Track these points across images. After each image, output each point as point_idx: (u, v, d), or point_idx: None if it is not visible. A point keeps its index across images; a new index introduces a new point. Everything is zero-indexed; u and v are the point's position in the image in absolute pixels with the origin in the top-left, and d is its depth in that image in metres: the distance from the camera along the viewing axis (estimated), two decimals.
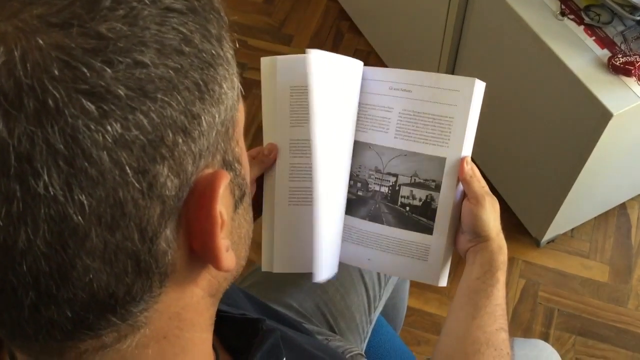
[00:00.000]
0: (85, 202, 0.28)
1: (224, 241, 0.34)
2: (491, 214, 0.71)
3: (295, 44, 1.94)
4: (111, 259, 0.30)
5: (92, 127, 0.28)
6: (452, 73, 1.50)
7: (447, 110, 0.74)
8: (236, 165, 0.37)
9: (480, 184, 0.73)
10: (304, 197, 0.75)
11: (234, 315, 0.50)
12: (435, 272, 0.76)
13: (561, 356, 0.95)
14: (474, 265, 0.71)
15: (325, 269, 0.73)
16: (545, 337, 1.45)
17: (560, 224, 1.48)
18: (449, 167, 0.74)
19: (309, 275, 0.89)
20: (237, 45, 0.38)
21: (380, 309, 0.95)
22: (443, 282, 0.77)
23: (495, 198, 0.73)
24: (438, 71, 1.51)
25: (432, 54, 1.49)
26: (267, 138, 0.76)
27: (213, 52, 0.33)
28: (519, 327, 1.47)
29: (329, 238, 0.73)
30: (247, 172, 0.40)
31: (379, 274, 0.93)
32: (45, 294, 0.29)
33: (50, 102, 0.27)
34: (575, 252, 1.56)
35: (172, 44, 0.30)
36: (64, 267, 0.29)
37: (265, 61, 0.76)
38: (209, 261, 0.35)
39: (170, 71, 0.30)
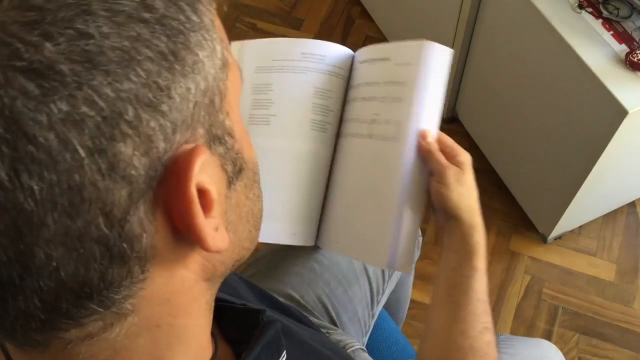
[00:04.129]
0: (35, 187, 0.26)
1: (212, 220, 0.32)
2: (456, 190, 0.65)
3: (305, 28, 1.92)
4: (75, 245, 0.28)
5: (33, 107, 0.25)
6: (465, 63, 1.47)
7: (400, 77, 0.69)
8: (226, 138, 0.34)
9: (438, 159, 0.66)
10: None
11: (235, 305, 0.48)
12: (398, 255, 0.70)
13: (564, 354, 0.93)
14: (449, 251, 0.67)
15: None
16: (548, 335, 1.44)
17: (568, 221, 1.46)
18: (408, 142, 0.68)
19: (311, 267, 0.88)
20: (226, 9, 0.34)
21: (383, 302, 0.93)
22: (404, 267, 0.70)
23: (465, 171, 0.66)
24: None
25: (444, 41, 1.45)
26: None
27: (182, 17, 0.30)
28: (522, 323, 1.45)
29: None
30: (244, 145, 0.37)
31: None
32: (9, 284, 0.28)
33: None
34: (583, 249, 1.54)
35: (125, 10, 0.28)
36: (23, 256, 0.27)
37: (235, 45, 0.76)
38: (194, 242, 0.32)
39: (125, 41, 0.28)
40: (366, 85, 0.73)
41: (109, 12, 0.27)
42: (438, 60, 0.68)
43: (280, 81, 0.75)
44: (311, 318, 0.83)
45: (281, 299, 0.82)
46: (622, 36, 1.09)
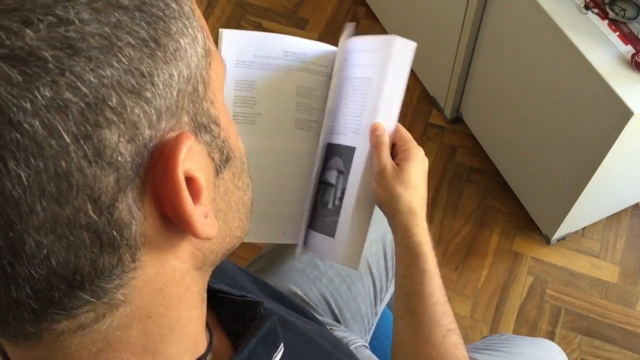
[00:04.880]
0: (22, 174, 0.26)
1: (201, 207, 0.32)
2: (390, 189, 0.64)
3: (310, 28, 1.92)
4: (65, 233, 0.28)
5: (16, 93, 0.26)
6: (470, 63, 1.47)
7: (365, 72, 0.69)
8: (212, 127, 0.35)
9: (379, 155, 0.65)
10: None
11: (234, 296, 0.48)
12: (343, 251, 0.70)
13: (566, 355, 0.93)
14: (396, 257, 0.66)
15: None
16: (551, 336, 1.44)
17: (572, 222, 1.45)
18: (362, 135, 0.68)
19: (315, 264, 0.88)
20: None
21: (386, 301, 0.93)
22: (350, 262, 0.70)
23: (406, 170, 0.64)
24: (455, 60, 1.48)
25: (449, 42, 1.47)
26: None
27: (161, 4, 0.30)
28: (525, 324, 1.45)
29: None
30: (230, 134, 0.37)
31: (387, 266, 0.91)
32: (1, 273, 0.28)
33: None
34: (586, 251, 1.54)
35: None
36: (13, 244, 0.27)
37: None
38: (184, 229, 0.32)
39: (105, 27, 0.28)
40: (335, 77, 0.74)
41: None
42: (400, 53, 0.67)
43: (263, 79, 0.75)
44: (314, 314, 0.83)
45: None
46: (628, 37, 1.09)
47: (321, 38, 1.88)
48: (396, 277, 0.67)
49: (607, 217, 1.57)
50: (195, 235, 0.32)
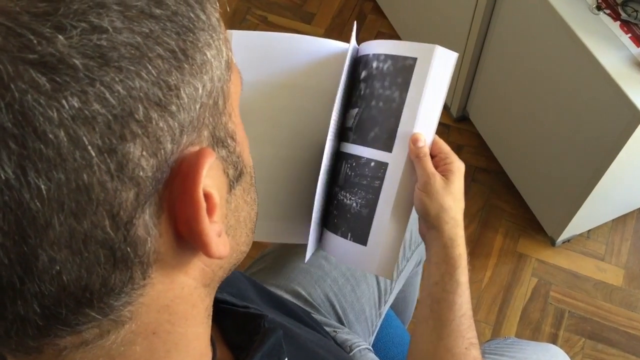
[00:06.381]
0: (42, 186, 0.25)
1: (215, 225, 0.31)
2: (438, 200, 0.64)
3: (316, 22, 1.90)
4: (80, 248, 0.27)
5: (44, 102, 0.24)
6: (478, 61, 1.45)
7: (396, 80, 0.68)
8: (229, 141, 0.34)
9: (424, 166, 0.65)
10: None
11: (237, 308, 0.47)
12: (378, 260, 0.69)
13: (570, 359, 0.92)
14: (430, 264, 0.66)
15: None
16: (554, 339, 1.43)
17: (578, 224, 1.44)
18: (398, 145, 0.67)
19: (319, 264, 0.86)
20: (228, 10, 0.34)
21: (390, 302, 0.92)
22: (384, 272, 0.70)
23: (452, 181, 0.65)
24: (463, 57, 1.47)
25: (457, 40, 1.45)
26: None
27: (191, 15, 0.29)
28: (528, 326, 1.44)
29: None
30: (244, 149, 0.36)
31: None
32: (9, 287, 0.26)
33: None
34: (591, 253, 1.52)
35: (138, 5, 0.27)
36: (25, 259, 0.26)
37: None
38: (198, 248, 0.31)
39: (137, 37, 0.27)
40: (363, 82, 0.72)
41: (121, 6, 0.26)
42: (441, 63, 0.66)
43: (271, 80, 0.73)
44: (318, 316, 0.82)
45: (287, 298, 0.81)
46: None
47: (327, 33, 1.87)
48: (426, 282, 0.66)
49: (613, 220, 1.55)
50: (209, 255, 0.31)
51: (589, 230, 1.54)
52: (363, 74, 0.72)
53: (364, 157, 0.70)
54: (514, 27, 1.28)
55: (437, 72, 0.66)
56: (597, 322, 1.45)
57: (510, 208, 1.58)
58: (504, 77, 1.40)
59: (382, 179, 0.69)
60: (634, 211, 1.56)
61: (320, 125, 0.73)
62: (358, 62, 0.74)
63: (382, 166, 0.69)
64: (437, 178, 0.65)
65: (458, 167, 0.66)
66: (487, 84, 1.48)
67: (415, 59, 0.67)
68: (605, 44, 1.08)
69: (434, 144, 0.68)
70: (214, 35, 0.31)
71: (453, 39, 1.47)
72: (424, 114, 0.67)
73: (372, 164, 0.69)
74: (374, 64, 0.70)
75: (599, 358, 1.41)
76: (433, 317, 0.64)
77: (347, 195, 0.72)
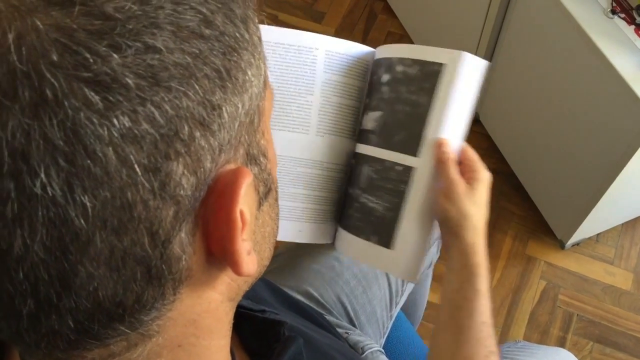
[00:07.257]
0: (88, 204, 0.25)
1: (245, 243, 0.31)
2: (460, 207, 0.64)
3: (327, 22, 1.90)
4: (118, 265, 0.27)
5: (96, 120, 0.24)
6: (490, 62, 1.45)
7: (422, 84, 0.68)
8: (261, 159, 0.34)
9: (448, 171, 0.65)
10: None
11: (255, 313, 0.47)
12: (404, 264, 0.69)
13: None
14: (451, 271, 0.66)
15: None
16: (562, 342, 1.42)
17: (587, 228, 1.44)
18: (426, 149, 0.67)
19: (331, 265, 0.86)
20: (266, 23, 0.34)
21: (401, 304, 0.92)
22: (409, 276, 0.69)
23: (477, 189, 0.65)
24: None
25: (469, 42, 1.45)
26: None
27: (237, 34, 0.29)
28: (536, 329, 1.44)
29: None
30: (273, 165, 0.37)
31: None
32: (45, 302, 0.27)
33: (48, 92, 0.24)
34: (600, 257, 1.52)
35: (189, 25, 0.27)
36: (65, 275, 0.26)
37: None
38: (228, 266, 0.32)
39: (187, 57, 0.27)
40: (387, 86, 0.72)
41: (173, 26, 0.26)
42: (469, 70, 0.66)
43: (288, 76, 0.72)
44: (330, 317, 0.82)
45: (300, 299, 0.81)
46: None
47: (337, 32, 1.86)
48: (446, 290, 0.66)
49: (622, 224, 1.55)
50: (238, 273, 0.31)
51: (598, 234, 1.54)
52: (385, 77, 0.72)
53: (388, 161, 0.70)
54: (526, 29, 1.27)
55: (465, 78, 0.66)
56: (606, 326, 1.44)
57: (520, 210, 1.57)
58: (515, 79, 1.39)
59: (407, 183, 0.69)
60: None
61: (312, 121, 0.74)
62: (376, 65, 0.74)
63: (409, 170, 0.69)
64: (461, 184, 0.65)
65: (484, 176, 0.66)
66: (498, 85, 1.48)
67: (442, 65, 0.67)
68: (620, 48, 1.07)
69: (462, 151, 0.68)
70: (255, 54, 0.31)
71: (466, 39, 1.47)
72: (451, 120, 0.67)
73: (398, 167, 0.70)
74: (399, 68, 0.70)
75: None
76: (453, 324, 0.64)
77: (371, 198, 0.72)
